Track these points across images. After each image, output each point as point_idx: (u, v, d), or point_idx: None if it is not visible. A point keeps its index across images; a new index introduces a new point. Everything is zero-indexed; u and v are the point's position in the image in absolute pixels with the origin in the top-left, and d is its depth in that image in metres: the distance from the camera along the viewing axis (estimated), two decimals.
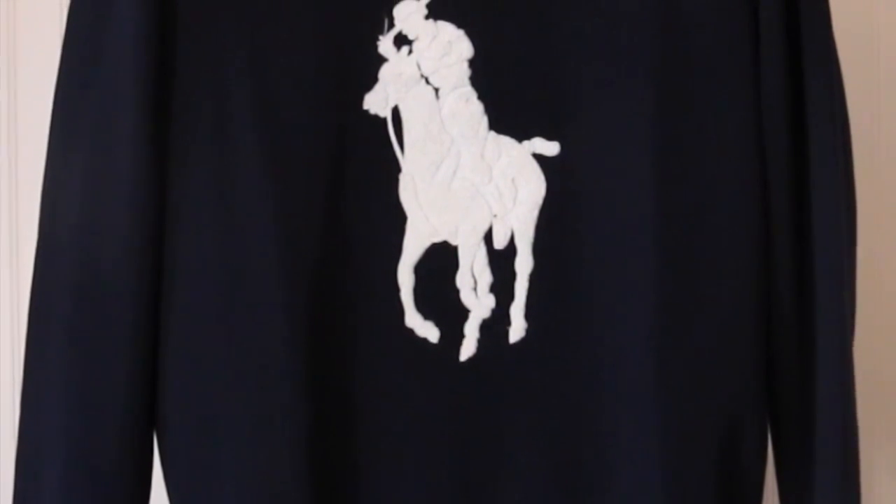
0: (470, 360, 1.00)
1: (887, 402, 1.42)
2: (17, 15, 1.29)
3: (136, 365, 0.98)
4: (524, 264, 1.00)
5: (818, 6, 1.01)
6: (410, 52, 1.00)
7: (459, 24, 1.00)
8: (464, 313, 1.00)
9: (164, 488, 1.01)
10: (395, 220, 1.00)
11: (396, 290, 1.00)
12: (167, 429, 1.00)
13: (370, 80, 1.00)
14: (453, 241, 1.01)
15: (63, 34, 1.01)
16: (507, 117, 1.00)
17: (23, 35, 1.30)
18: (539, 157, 1.00)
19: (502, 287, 1.00)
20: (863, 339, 1.08)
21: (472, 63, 1.00)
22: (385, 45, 1.00)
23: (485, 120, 1.00)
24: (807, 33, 1.00)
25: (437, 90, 1.01)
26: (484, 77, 1.00)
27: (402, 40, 1.00)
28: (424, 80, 1.01)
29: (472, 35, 1.00)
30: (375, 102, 1.00)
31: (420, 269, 1.00)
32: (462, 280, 1.00)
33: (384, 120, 1.00)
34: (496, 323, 1.00)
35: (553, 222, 1.00)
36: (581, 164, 1.00)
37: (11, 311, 1.33)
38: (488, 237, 1.01)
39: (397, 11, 1.00)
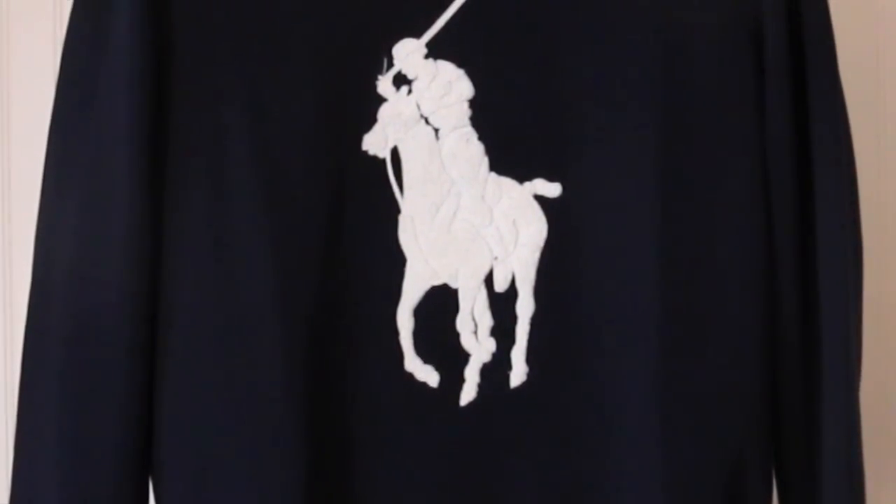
0: (470, 404, 0.99)
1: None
2: (10, 34, 1.27)
3: (131, 412, 0.97)
4: (525, 307, 0.99)
5: (824, 46, 0.99)
6: (410, 91, 0.99)
7: (459, 64, 0.99)
8: (464, 357, 0.99)
9: None
10: (395, 262, 0.98)
11: (396, 333, 0.98)
12: (163, 476, 0.98)
13: (369, 121, 0.98)
14: (453, 284, 0.99)
15: (57, 70, 1.00)
16: (508, 158, 0.99)
17: (16, 59, 1.28)
18: (540, 199, 0.99)
19: (503, 331, 0.99)
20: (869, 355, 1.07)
21: (473, 103, 0.99)
22: (384, 84, 0.99)
23: (485, 161, 0.99)
24: (812, 74, 0.99)
25: (436, 131, 0.99)
26: (484, 117, 0.99)
27: (401, 80, 0.99)
28: (424, 121, 0.99)
29: (472, 75, 0.99)
30: (374, 143, 0.98)
31: (420, 312, 0.99)
32: (462, 323, 0.99)
33: (383, 161, 0.98)
34: (497, 367, 0.99)
35: (555, 265, 0.98)
36: (583, 206, 0.98)
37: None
38: (489, 280, 0.99)
39: (396, 50, 0.98)
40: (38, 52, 1.25)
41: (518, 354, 0.99)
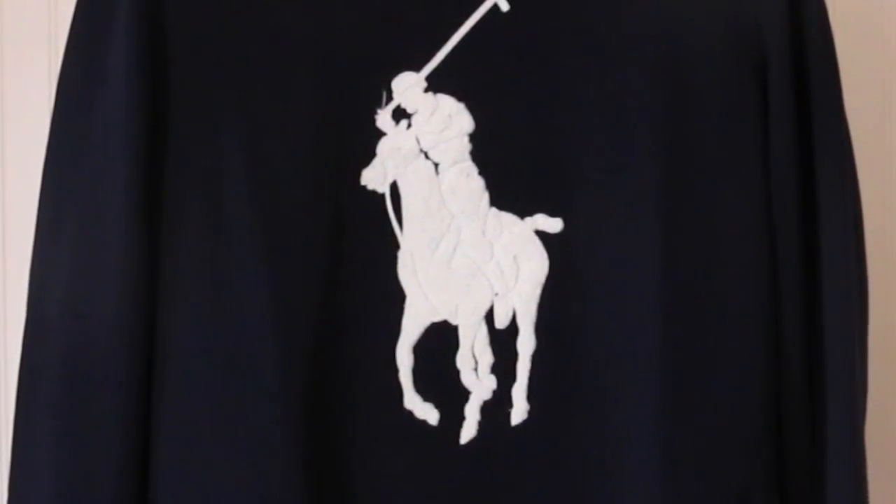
0: (470, 442, 0.97)
1: None
2: (4, 64, 1.26)
3: (127, 451, 0.95)
4: (526, 344, 0.97)
5: (829, 83, 0.98)
6: (409, 125, 0.98)
7: (460, 98, 0.97)
8: (464, 395, 0.97)
9: None
10: (394, 298, 0.97)
11: (395, 370, 0.97)
12: None
13: (368, 155, 0.97)
14: (453, 321, 0.98)
15: (52, 101, 0.99)
16: (508, 193, 0.98)
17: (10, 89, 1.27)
18: (542, 234, 0.98)
19: (504, 368, 0.97)
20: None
21: (473, 137, 0.97)
22: (383, 118, 0.97)
23: (486, 196, 0.98)
24: (818, 111, 0.98)
25: (436, 165, 0.98)
26: (485, 152, 0.97)
27: (400, 114, 0.98)
28: (424, 155, 0.98)
29: (472, 108, 0.97)
30: (373, 178, 0.97)
31: (419, 349, 0.97)
32: (462, 360, 0.98)
33: (382, 196, 0.97)
34: (498, 405, 0.97)
35: (556, 301, 0.97)
36: (585, 242, 0.97)
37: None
38: (489, 316, 0.98)
39: (396, 84, 0.97)
40: (32, 83, 1.24)
41: (519, 392, 0.97)
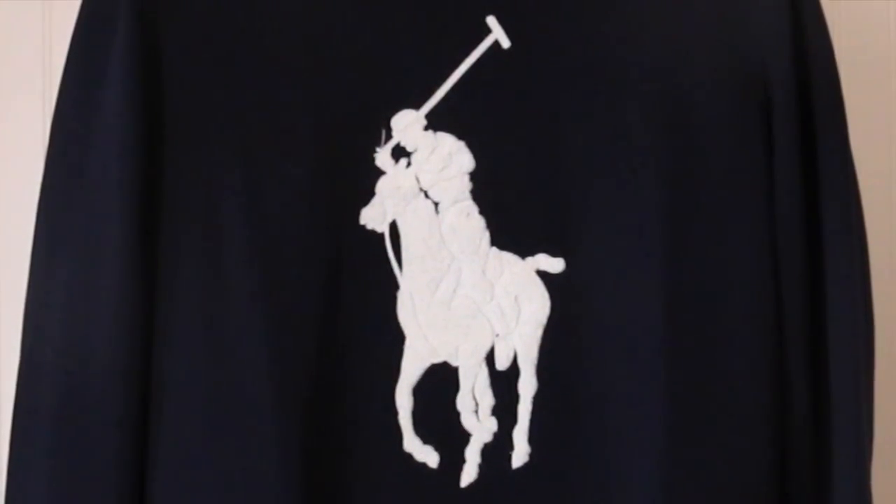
0: (471, 486, 0.96)
1: None
2: None
3: (123, 495, 0.94)
4: (527, 386, 0.96)
5: (834, 118, 0.97)
6: (409, 164, 0.96)
7: (460, 136, 0.96)
8: (464, 437, 0.96)
9: None
10: (393, 340, 0.96)
11: (394, 413, 0.96)
12: None
13: (367, 194, 0.96)
14: (454, 362, 0.96)
15: (46, 140, 0.97)
16: (509, 232, 0.96)
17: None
18: (543, 275, 0.96)
19: (505, 410, 0.96)
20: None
21: (474, 176, 0.96)
22: (382, 157, 0.96)
23: (486, 235, 0.96)
24: (823, 146, 0.96)
25: (436, 204, 0.97)
26: (486, 191, 0.96)
27: (400, 152, 0.96)
28: (423, 194, 0.97)
29: (473, 147, 0.96)
30: (372, 217, 0.96)
31: (419, 391, 0.96)
32: (463, 402, 0.96)
33: (381, 235, 0.96)
34: (498, 447, 0.96)
35: (558, 342, 0.96)
36: (587, 282, 0.96)
37: None
38: (490, 358, 0.97)
39: (395, 122, 0.96)
40: (26, 120, 1.22)
41: (520, 434, 0.96)
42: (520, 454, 0.96)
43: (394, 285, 0.96)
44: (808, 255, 0.96)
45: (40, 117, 1.21)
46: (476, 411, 0.96)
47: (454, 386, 0.96)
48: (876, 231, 1.04)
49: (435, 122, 0.96)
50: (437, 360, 0.96)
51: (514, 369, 0.96)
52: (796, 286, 0.96)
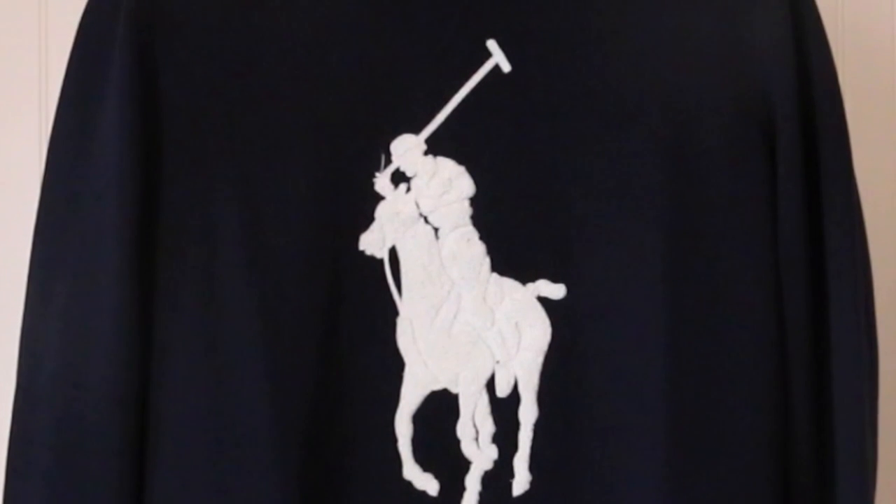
0: None
1: None
2: None
3: None
4: (528, 413, 0.95)
5: (838, 146, 0.96)
6: (408, 189, 0.95)
7: (460, 161, 0.95)
8: (465, 465, 0.95)
9: None
10: (393, 366, 0.95)
11: (394, 440, 0.95)
12: None
13: (366, 220, 0.95)
14: (454, 389, 0.95)
15: (42, 165, 0.96)
16: (510, 258, 0.95)
17: None
18: (544, 301, 0.95)
19: (505, 437, 0.95)
20: None
21: (474, 201, 0.95)
22: (382, 182, 0.95)
23: (487, 261, 0.96)
24: (826, 175, 0.96)
25: (436, 230, 0.96)
26: (486, 216, 0.95)
27: (399, 177, 0.95)
28: (423, 220, 0.96)
29: (473, 172, 0.95)
30: (371, 243, 0.95)
31: (419, 418, 0.95)
32: (463, 430, 0.95)
33: (381, 261, 0.95)
34: (499, 475, 0.95)
35: (559, 369, 0.95)
36: (588, 309, 0.95)
37: None
38: (490, 385, 0.96)
39: (395, 146, 0.95)
40: (22, 146, 1.21)
41: (521, 462, 0.95)
42: (520, 482, 0.95)
43: (393, 311, 0.95)
44: (811, 280, 0.95)
45: (36, 138, 1.20)
46: (476, 439, 0.95)
47: (454, 413, 0.95)
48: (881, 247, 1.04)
49: (435, 146, 0.95)
50: (437, 386, 0.95)
51: (514, 396, 0.95)
52: (799, 312, 0.95)
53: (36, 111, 1.20)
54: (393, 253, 0.95)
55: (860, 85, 1.13)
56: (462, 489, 0.95)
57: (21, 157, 1.20)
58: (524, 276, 0.95)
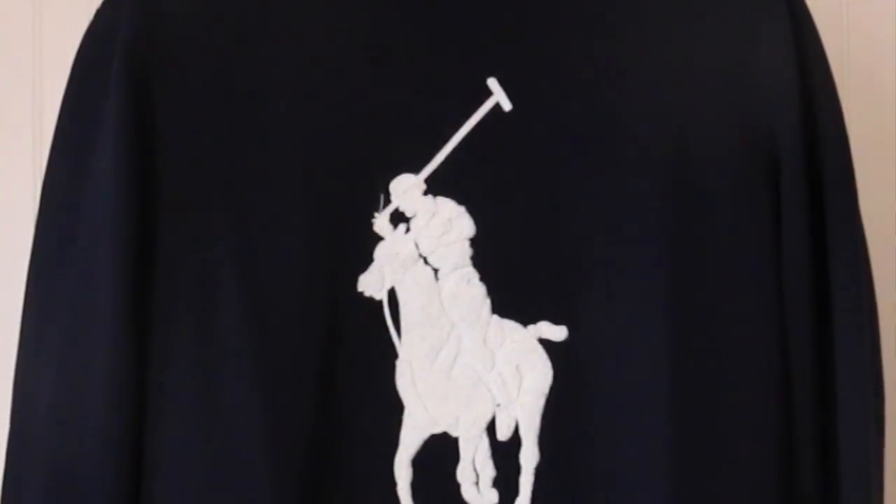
0: None
1: None
2: None
3: None
4: (529, 457, 0.94)
5: (844, 183, 0.95)
6: (408, 230, 0.94)
7: (460, 201, 0.94)
8: None
9: None
10: (392, 410, 0.93)
11: (393, 484, 0.93)
12: None
13: (364, 261, 0.94)
14: (454, 433, 0.94)
15: (36, 206, 0.95)
16: (511, 300, 0.94)
17: None
18: (545, 343, 0.94)
19: (506, 481, 0.94)
20: None
21: (474, 242, 0.94)
22: (380, 222, 0.94)
23: (487, 303, 0.94)
24: (831, 211, 0.94)
25: (436, 271, 0.94)
26: (487, 257, 0.94)
27: (398, 217, 0.94)
28: (423, 260, 0.94)
29: (473, 212, 0.94)
30: (370, 284, 0.94)
31: (418, 461, 0.94)
32: (463, 474, 0.94)
33: (379, 303, 0.94)
34: None
35: (560, 412, 0.93)
36: (591, 351, 0.93)
37: None
38: (491, 428, 0.94)
39: (394, 186, 0.94)
40: (16, 184, 1.20)
41: None
42: None
43: (392, 354, 0.94)
44: (817, 320, 0.94)
45: (31, 178, 1.19)
46: (477, 483, 0.94)
47: (454, 457, 0.94)
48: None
49: (434, 186, 0.94)
50: (437, 430, 0.94)
51: (515, 440, 0.94)
52: (804, 353, 0.94)
53: (31, 147, 1.19)
54: (392, 294, 0.94)
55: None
56: None
57: (15, 191, 1.19)
58: (525, 318, 0.94)
